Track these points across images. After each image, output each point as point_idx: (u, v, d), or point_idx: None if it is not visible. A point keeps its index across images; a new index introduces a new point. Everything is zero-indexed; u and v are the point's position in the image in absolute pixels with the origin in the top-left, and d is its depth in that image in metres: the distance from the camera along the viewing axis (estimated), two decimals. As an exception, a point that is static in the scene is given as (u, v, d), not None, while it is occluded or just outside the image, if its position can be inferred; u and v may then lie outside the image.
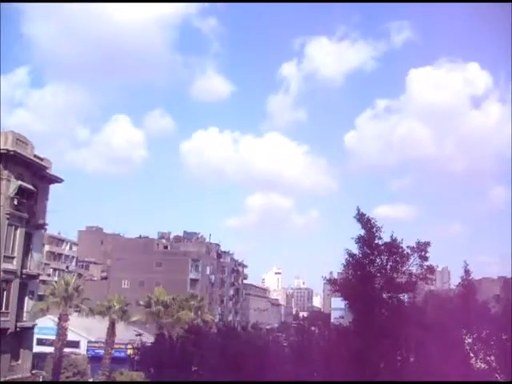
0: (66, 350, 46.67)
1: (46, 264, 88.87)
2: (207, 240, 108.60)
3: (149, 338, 49.20)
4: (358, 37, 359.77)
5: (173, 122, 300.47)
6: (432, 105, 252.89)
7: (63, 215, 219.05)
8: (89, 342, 56.68)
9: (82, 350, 55.78)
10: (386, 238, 17.54)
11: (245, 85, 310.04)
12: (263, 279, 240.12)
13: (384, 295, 17.70)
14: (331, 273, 35.20)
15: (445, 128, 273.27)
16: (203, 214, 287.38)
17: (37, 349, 46.13)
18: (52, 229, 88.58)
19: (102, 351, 49.16)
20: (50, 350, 46.75)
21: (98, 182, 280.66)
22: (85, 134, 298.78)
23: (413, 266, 17.49)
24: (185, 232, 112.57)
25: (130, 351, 52.33)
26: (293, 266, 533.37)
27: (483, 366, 16.97)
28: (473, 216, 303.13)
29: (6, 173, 37.37)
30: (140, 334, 54.63)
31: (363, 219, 17.64)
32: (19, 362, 39.58)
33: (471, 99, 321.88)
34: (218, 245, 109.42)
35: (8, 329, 37.39)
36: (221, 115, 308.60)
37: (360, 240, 17.53)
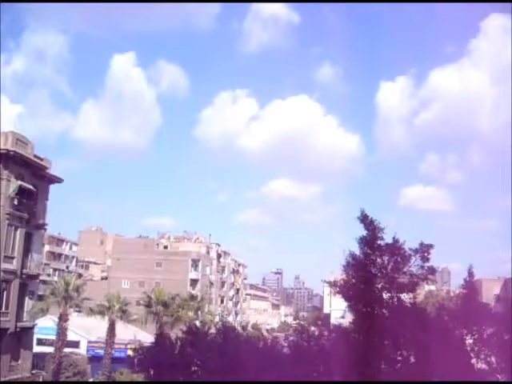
0: (66, 349, 46.65)
1: (46, 264, 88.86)
2: (207, 240, 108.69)
3: (149, 338, 49.16)
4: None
5: (191, 82, 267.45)
6: (505, 61, 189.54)
7: (63, 215, 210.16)
8: (89, 342, 56.63)
9: (82, 350, 55.72)
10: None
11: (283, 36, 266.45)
12: (263, 279, 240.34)
13: (385, 295, 17.71)
14: (332, 272, 35.23)
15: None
16: (213, 204, 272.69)
17: (37, 349, 46.13)
18: (52, 229, 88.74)
19: (102, 351, 49.12)
20: (50, 350, 46.71)
21: (96, 162, 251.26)
22: (78, 93, 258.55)
23: (414, 266, 17.51)
24: (185, 232, 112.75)
25: (129, 351, 52.34)
26: (293, 265, 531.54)
27: (484, 366, 16.96)
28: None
29: (5, 173, 37.40)
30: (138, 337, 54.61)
31: (366, 220, 17.67)
32: (19, 362, 39.60)
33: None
34: (218, 245, 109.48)
35: (8, 329, 37.41)
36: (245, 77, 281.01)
37: (362, 240, 17.57)
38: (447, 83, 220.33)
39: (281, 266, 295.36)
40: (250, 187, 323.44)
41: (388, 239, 17.65)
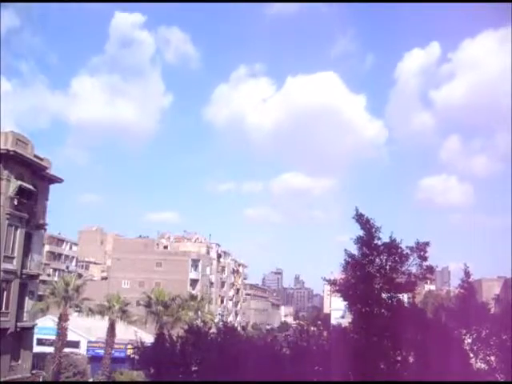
0: (66, 349, 46.71)
1: (46, 264, 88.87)
2: (207, 240, 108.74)
3: (149, 338, 49.15)
4: None
5: (205, 54, 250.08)
6: None
7: (62, 211, 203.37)
8: (89, 342, 56.69)
9: (82, 350, 55.80)
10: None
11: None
12: (263, 279, 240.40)
13: (383, 295, 17.68)
14: (332, 273, 35.25)
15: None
16: (217, 200, 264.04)
17: (37, 349, 46.20)
18: (52, 229, 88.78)
19: (102, 351, 49.19)
20: (50, 350, 46.77)
21: (95, 149, 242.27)
22: (72, 64, 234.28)
23: (412, 265, 17.47)
24: (185, 232, 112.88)
25: (129, 351, 52.34)
26: (293, 265, 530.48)
27: (483, 365, 16.95)
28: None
29: (6, 173, 37.45)
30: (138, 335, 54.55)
31: (362, 220, 17.59)
32: (19, 362, 39.64)
33: None
34: (218, 245, 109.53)
35: (8, 329, 37.45)
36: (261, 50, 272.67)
37: (359, 240, 17.50)
38: (476, 59, 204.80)
39: (281, 265, 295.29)
40: (259, 179, 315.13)
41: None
